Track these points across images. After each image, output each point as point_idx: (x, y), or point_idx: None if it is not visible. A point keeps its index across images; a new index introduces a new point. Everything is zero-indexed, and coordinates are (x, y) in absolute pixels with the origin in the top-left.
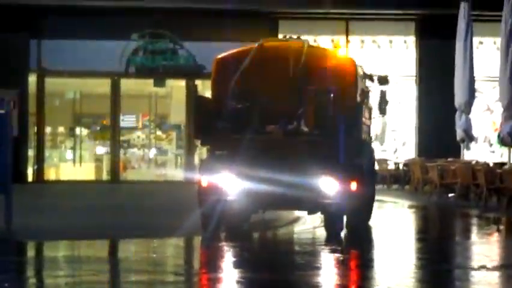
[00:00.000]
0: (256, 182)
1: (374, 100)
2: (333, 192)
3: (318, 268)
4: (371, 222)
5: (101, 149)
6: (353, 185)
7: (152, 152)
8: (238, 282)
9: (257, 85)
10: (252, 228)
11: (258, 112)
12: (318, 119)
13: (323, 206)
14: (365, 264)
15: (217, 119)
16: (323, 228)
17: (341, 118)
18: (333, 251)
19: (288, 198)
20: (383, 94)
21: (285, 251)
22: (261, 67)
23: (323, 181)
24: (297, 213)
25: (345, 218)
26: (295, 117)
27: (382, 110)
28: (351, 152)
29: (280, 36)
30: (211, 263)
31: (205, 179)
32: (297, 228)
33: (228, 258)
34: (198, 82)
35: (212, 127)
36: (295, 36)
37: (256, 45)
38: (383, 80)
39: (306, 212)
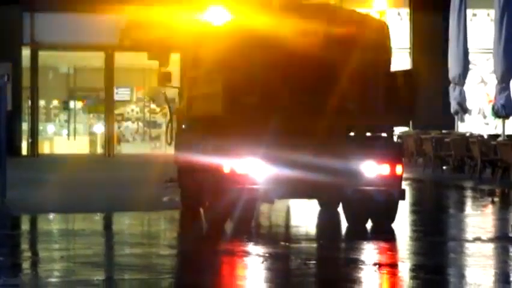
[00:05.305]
0: (286, 167)
1: None
2: (379, 178)
3: (310, 240)
4: None
5: (96, 122)
6: (399, 169)
7: (146, 125)
8: (236, 253)
9: (281, 55)
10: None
11: (286, 87)
12: (359, 94)
13: (365, 194)
14: (360, 237)
15: (244, 95)
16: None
17: (385, 94)
18: (324, 225)
19: (324, 186)
20: None
21: (287, 225)
22: (284, 32)
23: (366, 165)
24: None
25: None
26: (331, 92)
27: None
28: (393, 131)
29: None
30: (206, 237)
31: (227, 165)
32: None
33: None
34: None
35: (237, 104)
36: None
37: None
38: None
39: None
